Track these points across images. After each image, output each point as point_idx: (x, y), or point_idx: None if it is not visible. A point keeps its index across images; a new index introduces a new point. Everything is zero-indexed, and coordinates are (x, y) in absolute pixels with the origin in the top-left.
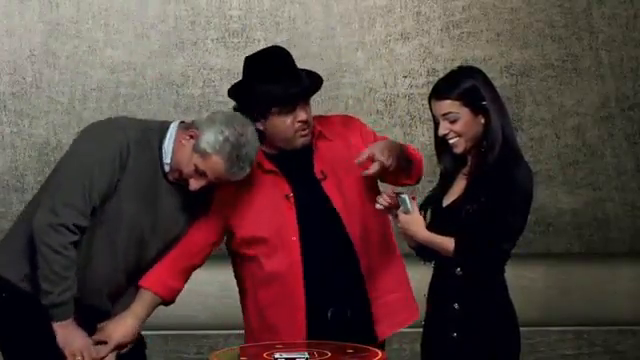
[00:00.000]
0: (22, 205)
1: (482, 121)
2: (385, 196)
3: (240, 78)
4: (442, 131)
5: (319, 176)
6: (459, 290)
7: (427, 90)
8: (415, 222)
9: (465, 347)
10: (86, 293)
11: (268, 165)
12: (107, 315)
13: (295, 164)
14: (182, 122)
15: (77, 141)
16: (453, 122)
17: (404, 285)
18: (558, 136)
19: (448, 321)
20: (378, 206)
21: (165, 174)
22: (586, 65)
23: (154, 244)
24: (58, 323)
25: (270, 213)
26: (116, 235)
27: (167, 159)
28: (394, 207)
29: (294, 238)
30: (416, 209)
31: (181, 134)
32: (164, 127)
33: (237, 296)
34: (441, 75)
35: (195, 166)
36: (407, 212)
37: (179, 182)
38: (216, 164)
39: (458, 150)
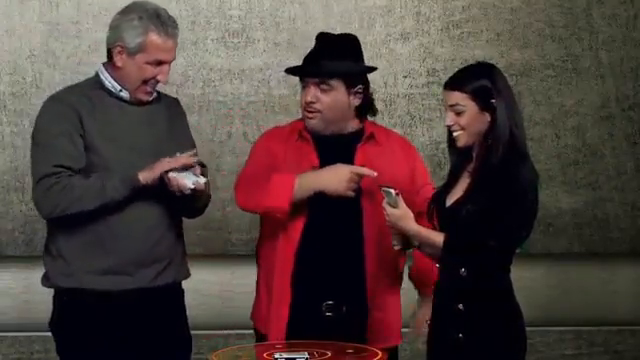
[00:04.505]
0: (22, 205)
1: (488, 119)
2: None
3: (240, 77)
4: (447, 122)
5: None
6: (464, 291)
7: (427, 90)
8: (404, 216)
9: (470, 348)
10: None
11: (305, 132)
12: (150, 292)
13: (337, 154)
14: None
15: (33, 131)
16: (459, 114)
17: (399, 312)
18: (558, 136)
19: (453, 321)
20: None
21: (128, 101)
22: (586, 65)
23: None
24: (142, 181)
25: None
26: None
27: (122, 91)
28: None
29: (304, 209)
30: (403, 204)
31: (112, 62)
32: (92, 77)
33: (237, 296)
34: (441, 75)
35: (147, 62)
36: (394, 206)
37: (152, 92)
38: (156, 42)
39: (459, 143)
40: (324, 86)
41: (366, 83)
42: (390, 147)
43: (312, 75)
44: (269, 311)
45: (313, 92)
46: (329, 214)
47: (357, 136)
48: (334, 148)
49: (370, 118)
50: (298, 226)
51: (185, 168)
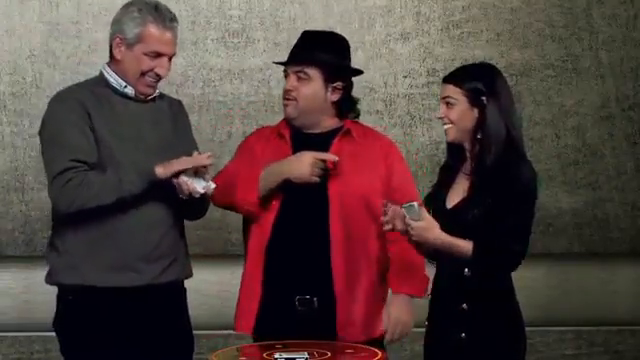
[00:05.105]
0: (22, 205)
1: (476, 115)
2: (390, 213)
3: (240, 77)
4: (439, 113)
5: (329, 165)
6: (468, 291)
7: (427, 90)
8: (428, 227)
9: (473, 347)
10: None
11: (284, 130)
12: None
13: (312, 150)
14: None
15: (40, 131)
16: (450, 107)
17: (378, 303)
18: (558, 136)
19: (456, 321)
20: (386, 227)
21: (132, 98)
22: (586, 65)
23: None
24: (158, 175)
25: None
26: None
27: (126, 87)
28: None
29: (274, 203)
30: (426, 215)
31: (112, 58)
32: (95, 76)
33: (237, 296)
34: (441, 75)
35: (145, 54)
36: (417, 219)
37: (153, 86)
38: (153, 33)
39: (448, 138)
40: (302, 74)
41: (348, 82)
42: (369, 145)
43: (290, 62)
44: (239, 305)
45: (292, 81)
46: (299, 207)
47: (335, 134)
48: (310, 145)
49: (370, 118)
50: (269, 220)
51: (196, 171)
